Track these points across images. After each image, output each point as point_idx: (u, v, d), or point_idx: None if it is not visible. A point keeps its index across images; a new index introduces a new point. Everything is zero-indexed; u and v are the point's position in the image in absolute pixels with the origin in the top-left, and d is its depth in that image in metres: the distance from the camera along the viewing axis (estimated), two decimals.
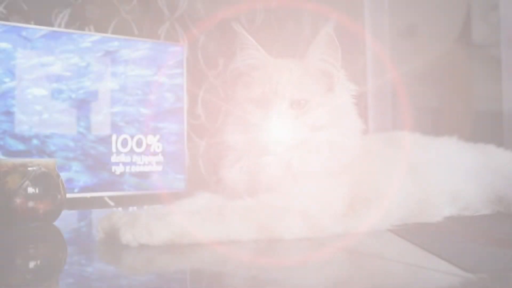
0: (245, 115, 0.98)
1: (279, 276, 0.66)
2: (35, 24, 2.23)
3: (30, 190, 1.08)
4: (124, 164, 1.89)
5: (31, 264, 0.77)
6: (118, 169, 1.86)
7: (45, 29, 2.08)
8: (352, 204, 0.93)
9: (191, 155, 2.65)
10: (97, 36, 2.03)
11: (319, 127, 0.94)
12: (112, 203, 2.16)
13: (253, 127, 0.96)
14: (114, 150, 1.81)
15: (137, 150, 1.92)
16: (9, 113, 1.57)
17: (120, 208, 1.77)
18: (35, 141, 1.60)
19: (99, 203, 2.22)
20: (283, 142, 0.93)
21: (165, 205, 0.99)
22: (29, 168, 1.09)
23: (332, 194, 0.92)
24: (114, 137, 1.82)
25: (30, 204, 1.07)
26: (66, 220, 1.35)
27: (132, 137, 1.89)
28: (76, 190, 1.80)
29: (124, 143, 1.86)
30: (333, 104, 0.95)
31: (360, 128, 1.01)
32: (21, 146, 1.56)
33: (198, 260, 0.75)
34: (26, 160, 1.10)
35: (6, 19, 2.17)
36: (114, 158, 1.83)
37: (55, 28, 2.23)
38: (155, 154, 2.03)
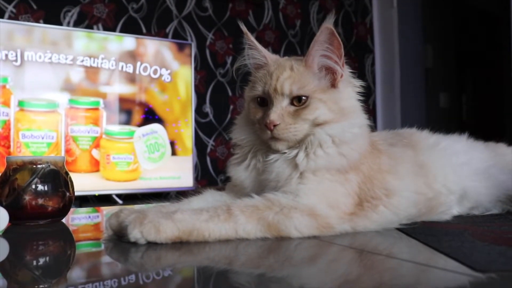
0: (250, 113, 0.99)
1: (286, 274, 0.66)
2: (44, 23, 2.24)
3: (39, 187, 1.08)
4: None
5: (40, 261, 0.78)
6: None
7: (54, 28, 2.09)
8: (361, 202, 0.93)
9: (199, 153, 2.66)
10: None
11: (322, 122, 0.94)
12: (120, 201, 2.17)
13: (258, 125, 0.97)
14: None
15: None
16: None
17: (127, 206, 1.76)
18: None
19: (107, 200, 2.23)
20: (284, 139, 0.93)
21: (173, 202, 0.99)
22: (38, 166, 1.10)
23: (339, 191, 0.91)
24: None
25: (39, 201, 1.08)
26: (75, 217, 1.36)
27: None
28: None
29: None
30: (336, 100, 0.95)
31: (366, 124, 1.00)
32: None
33: (206, 258, 0.75)
34: (36, 157, 1.11)
35: (15, 18, 2.19)
36: None
37: (64, 27, 2.25)
38: None
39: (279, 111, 0.93)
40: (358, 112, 0.99)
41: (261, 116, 0.96)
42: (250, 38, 1.00)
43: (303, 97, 0.93)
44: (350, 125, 0.95)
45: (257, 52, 1.01)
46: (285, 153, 0.95)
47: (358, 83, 1.01)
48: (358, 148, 0.95)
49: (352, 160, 0.94)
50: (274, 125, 0.92)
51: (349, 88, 0.98)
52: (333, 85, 0.96)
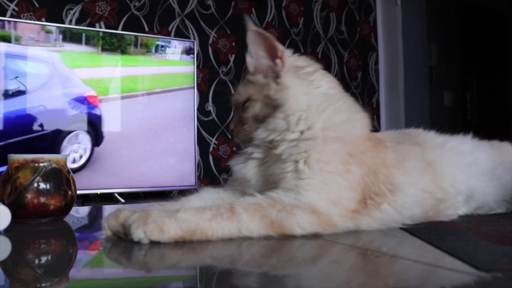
0: None
1: (289, 273, 0.66)
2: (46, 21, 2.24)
3: (41, 186, 1.08)
4: None
5: (42, 260, 0.77)
6: None
7: (56, 26, 2.09)
8: (364, 199, 0.92)
9: (202, 152, 2.66)
10: None
11: (261, 118, 0.99)
12: (122, 200, 2.17)
13: None
14: None
15: None
16: None
17: (126, 205, 1.76)
18: None
19: (109, 199, 2.23)
20: (242, 140, 1.04)
21: (172, 201, 0.99)
22: (40, 164, 1.10)
23: (340, 184, 0.89)
24: None
25: (41, 200, 1.08)
26: (77, 216, 1.36)
27: None
28: None
29: None
30: (271, 94, 0.98)
31: (328, 102, 0.98)
32: None
33: (209, 256, 0.75)
34: (38, 156, 1.10)
35: (18, 16, 2.19)
36: None
37: (66, 25, 2.25)
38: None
39: (235, 118, 1.07)
40: (295, 98, 0.97)
41: None
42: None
43: (247, 100, 1.02)
44: (281, 114, 0.96)
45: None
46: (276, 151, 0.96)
47: (311, 67, 1.01)
48: (322, 122, 0.95)
49: (331, 134, 0.94)
50: (232, 131, 1.06)
51: (292, 77, 0.98)
52: (276, 78, 0.99)
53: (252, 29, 0.97)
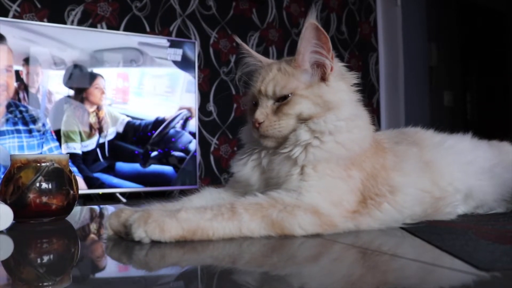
0: (248, 114, 1.04)
1: (290, 272, 0.66)
2: (48, 21, 2.25)
3: (43, 185, 1.09)
4: None
5: (44, 259, 0.78)
6: None
7: (58, 26, 2.09)
8: (364, 200, 0.93)
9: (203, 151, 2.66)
10: None
11: (307, 117, 0.94)
12: (124, 200, 2.17)
13: (251, 125, 0.99)
14: None
15: None
16: None
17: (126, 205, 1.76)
18: None
19: (111, 199, 2.24)
20: (270, 135, 0.96)
21: (174, 201, 1.00)
22: (43, 164, 1.10)
23: (342, 188, 0.91)
24: None
25: (43, 199, 1.08)
26: (79, 215, 1.36)
27: None
28: None
29: None
30: (321, 94, 0.95)
31: (356, 116, 0.98)
32: None
33: (210, 256, 0.75)
34: (40, 155, 1.11)
35: (20, 17, 2.20)
36: None
37: (67, 26, 2.25)
38: None
39: (264, 110, 0.96)
40: (347, 105, 0.96)
41: (252, 116, 0.99)
42: (245, 47, 1.06)
43: (289, 95, 0.95)
44: (334, 117, 0.94)
45: (252, 58, 1.06)
46: (285, 151, 0.95)
47: (353, 76, 1.01)
48: (347, 140, 0.94)
49: (353, 152, 0.93)
50: (259, 123, 0.95)
51: (341, 82, 0.98)
52: (323, 79, 0.96)
53: (312, 22, 0.91)
